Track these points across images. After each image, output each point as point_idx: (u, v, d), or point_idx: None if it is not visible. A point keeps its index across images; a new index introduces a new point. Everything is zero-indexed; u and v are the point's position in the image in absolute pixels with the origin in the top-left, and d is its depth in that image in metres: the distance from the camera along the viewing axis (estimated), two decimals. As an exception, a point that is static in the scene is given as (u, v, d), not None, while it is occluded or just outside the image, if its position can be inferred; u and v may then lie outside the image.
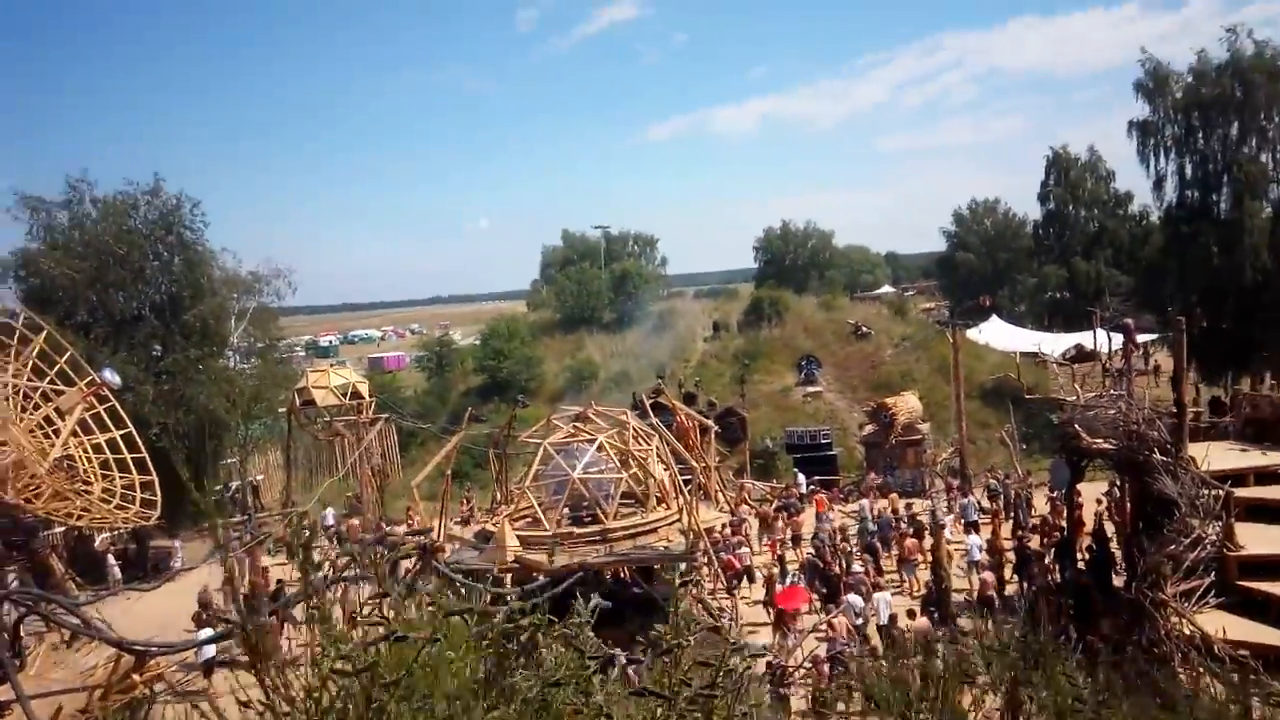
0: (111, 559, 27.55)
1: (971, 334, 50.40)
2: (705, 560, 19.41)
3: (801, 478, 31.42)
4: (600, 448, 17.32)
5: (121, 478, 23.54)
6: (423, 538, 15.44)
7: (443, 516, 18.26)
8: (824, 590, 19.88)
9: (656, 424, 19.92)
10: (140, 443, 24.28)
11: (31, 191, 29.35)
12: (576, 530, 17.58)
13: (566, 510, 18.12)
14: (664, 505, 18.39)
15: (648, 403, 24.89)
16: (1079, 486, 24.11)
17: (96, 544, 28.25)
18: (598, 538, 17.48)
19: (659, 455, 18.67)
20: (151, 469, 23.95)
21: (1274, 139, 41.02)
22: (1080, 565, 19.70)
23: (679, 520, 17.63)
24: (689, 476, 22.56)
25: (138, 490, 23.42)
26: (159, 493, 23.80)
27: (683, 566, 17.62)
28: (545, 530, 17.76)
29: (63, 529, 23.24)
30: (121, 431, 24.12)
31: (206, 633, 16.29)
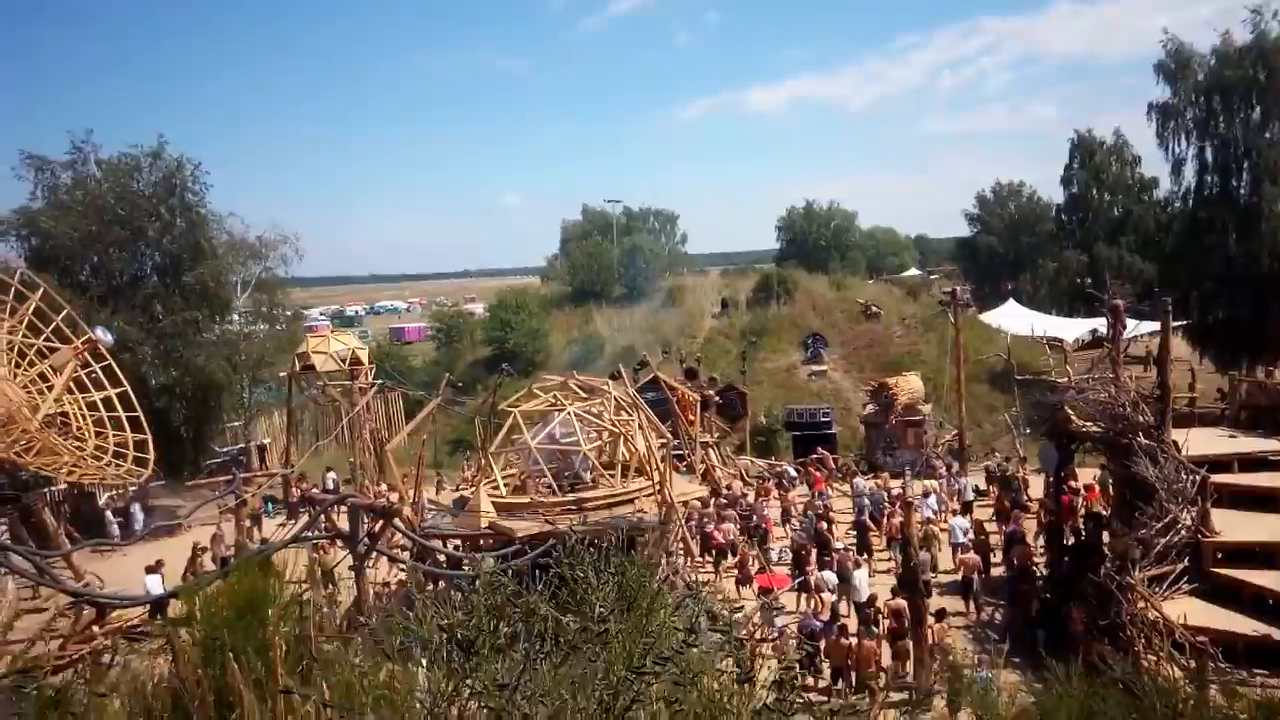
0: (110, 516, 27.86)
1: (985, 317, 49.91)
2: (679, 532, 19.30)
3: (789, 467, 31.29)
4: (577, 417, 17.21)
5: (115, 435, 23.79)
6: (385, 501, 15.45)
7: (417, 482, 18.26)
8: (805, 566, 19.76)
9: (633, 394, 19.77)
10: (135, 402, 24.51)
11: (38, 151, 29.60)
12: (551, 499, 17.54)
13: (546, 479, 18.09)
14: (643, 476, 18.32)
15: (628, 375, 24.70)
16: (1077, 471, 23.92)
17: (100, 502, 28.58)
18: (573, 506, 17.46)
19: (640, 426, 18.57)
20: (145, 427, 24.20)
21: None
22: (1067, 549, 19.49)
23: (655, 492, 17.57)
24: (680, 450, 22.48)
25: (130, 448, 23.69)
26: (152, 451, 24.08)
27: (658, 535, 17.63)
28: (527, 498, 17.78)
29: (64, 487, 23.48)
30: (117, 390, 24.33)
31: (155, 580, 16.50)
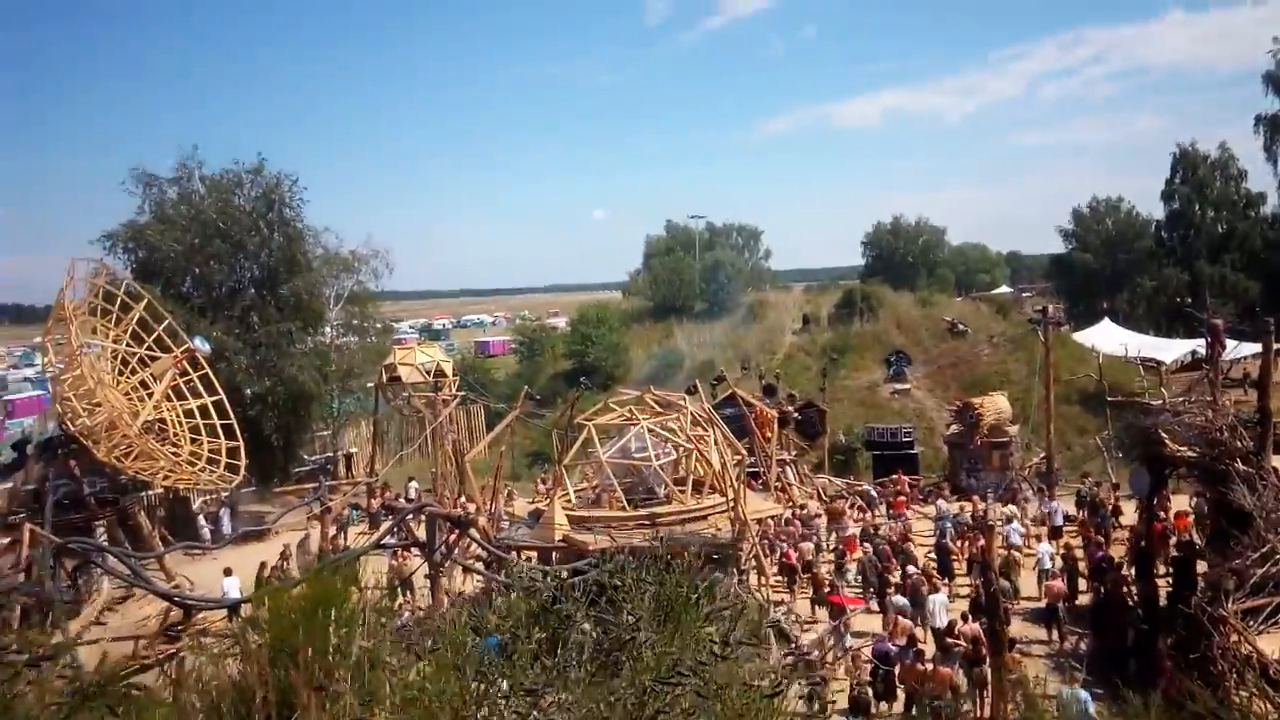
0: (202, 520, 28.92)
1: (1078, 336, 48.37)
2: (752, 550, 19.16)
3: (868, 487, 30.75)
4: (651, 432, 17.26)
5: (209, 442, 24.73)
6: (462, 512, 15.70)
7: (495, 493, 18.51)
8: (877, 590, 19.42)
9: (709, 409, 19.73)
10: (229, 410, 25.45)
11: (147, 168, 31.07)
12: (624, 513, 17.60)
13: (620, 493, 18.16)
14: (717, 493, 18.25)
15: (705, 391, 24.65)
16: (1171, 497, 22.96)
17: (194, 507, 29.69)
18: (647, 522, 17.48)
19: (716, 443, 18.52)
20: (238, 435, 25.09)
21: None
22: (1158, 578, 18.74)
23: (729, 509, 17.47)
24: (755, 468, 22.33)
25: (223, 455, 24.59)
26: (244, 457, 24.96)
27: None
28: (600, 511, 17.88)
29: (160, 491, 24.46)
30: (213, 398, 25.29)
31: (233, 583, 17.02)
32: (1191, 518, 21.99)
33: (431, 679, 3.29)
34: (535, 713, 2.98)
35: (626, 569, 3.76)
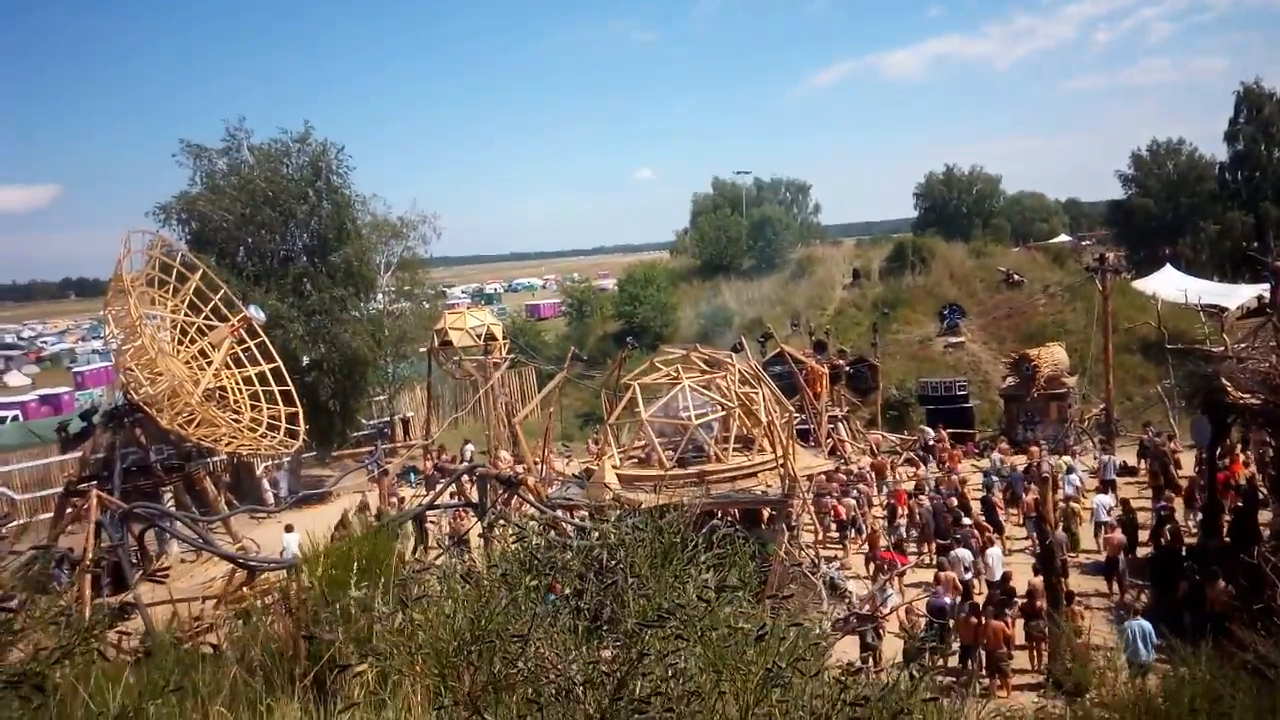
0: (266, 484, 29.67)
1: (1139, 284, 47.09)
2: (802, 507, 19.12)
3: (929, 430, 30.33)
4: (692, 390, 17.24)
5: (269, 409, 25.27)
6: (512, 472, 15.87)
7: (545, 453, 18.66)
8: (937, 542, 19.32)
9: (756, 366, 19.63)
10: (287, 376, 25.96)
11: (196, 139, 31.49)
12: (675, 471, 17.64)
13: (671, 451, 18.20)
14: (767, 449, 18.21)
15: (752, 348, 24.51)
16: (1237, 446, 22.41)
17: (258, 472, 30.47)
18: (696, 479, 17.52)
19: (764, 400, 18.43)
20: (296, 401, 25.60)
21: None
22: (1221, 528, 18.36)
23: (779, 466, 17.43)
24: (806, 425, 22.22)
25: (282, 420, 25.13)
26: (303, 423, 25.48)
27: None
28: (649, 470, 17.95)
29: (224, 457, 25.11)
30: (270, 365, 25.80)
31: (293, 539, 17.43)
32: (1248, 465, 21.51)
33: (423, 626, 3.38)
34: (522, 660, 3.04)
35: (624, 520, 3.79)
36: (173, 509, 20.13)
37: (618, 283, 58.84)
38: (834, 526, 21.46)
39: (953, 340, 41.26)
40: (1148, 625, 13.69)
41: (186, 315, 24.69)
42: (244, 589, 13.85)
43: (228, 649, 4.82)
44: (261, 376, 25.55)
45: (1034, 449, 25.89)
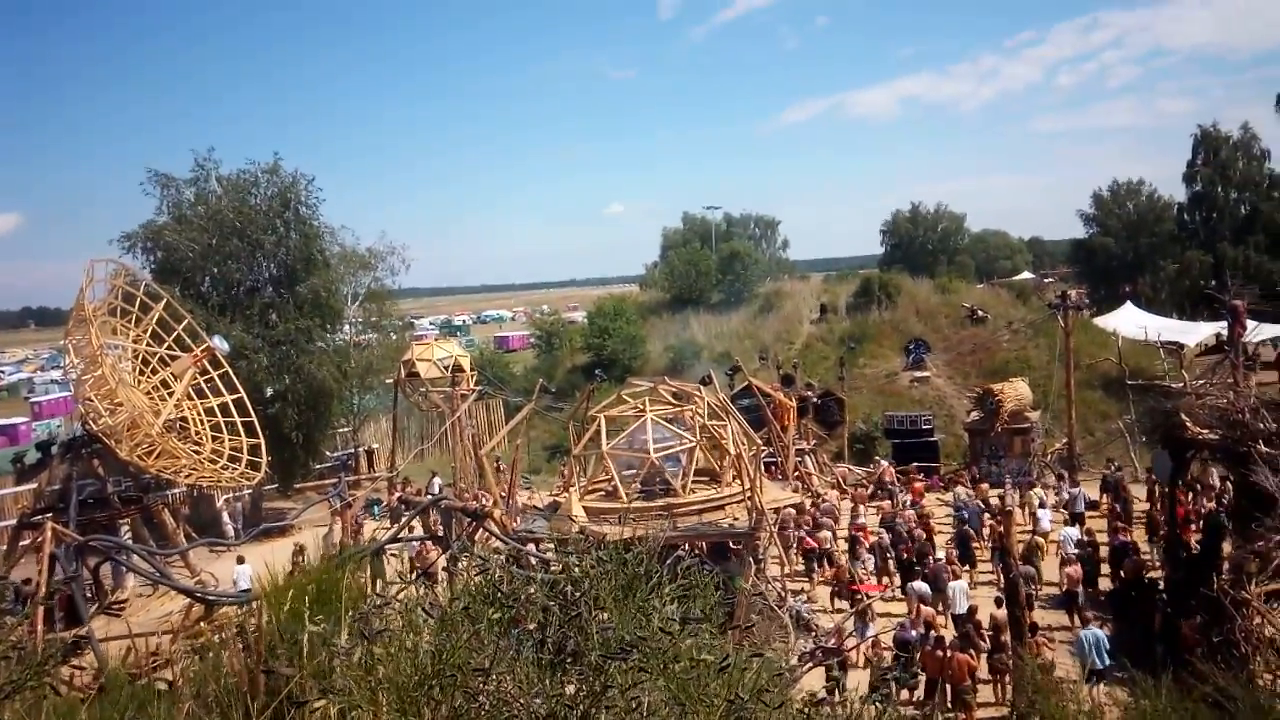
0: (226, 517, 29.20)
1: (1100, 321, 47.90)
2: (769, 539, 19.13)
3: (884, 463, 30.60)
4: (658, 423, 17.25)
5: (230, 440, 24.93)
6: (478, 504, 15.76)
7: (511, 485, 18.56)
8: (893, 575, 19.41)
9: (724, 399, 19.70)
10: (249, 407, 25.64)
11: (164, 169, 31.24)
12: (642, 504, 17.59)
13: (637, 484, 18.17)
14: (735, 482, 18.22)
15: (716, 382, 24.64)
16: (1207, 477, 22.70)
17: (218, 504, 29.99)
18: (663, 512, 17.47)
19: (732, 433, 18.48)
20: (259, 432, 25.28)
21: None
22: (1182, 561, 18.57)
23: (746, 498, 17.44)
24: (774, 458, 22.24)
25: (244, 452, 24.79)
26: (265, 455, 25.15)
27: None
28: (616, 503, 17.87)
29: (183, 489, 24.69)
30: (233, 396, 25.47)
31: (245, 570, 17.25)
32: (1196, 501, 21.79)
33: (384, 660, 3.35)
34: (482, 695, 3.02)
35: (589, 552, 3.79)
36: (130, 542, 19.77)
37: (587, 315, 58.97)
38: (800, 560, 21.48)
39: (918, 375, 41.66)
40: (1102, 634, 14.75)
41: (149, 345, 24.37)
42: (201, 623, 13.60)
43: (183, 685, 4.72)
44: (224, 408, 25.22)
45: (983, 485, 26.15)
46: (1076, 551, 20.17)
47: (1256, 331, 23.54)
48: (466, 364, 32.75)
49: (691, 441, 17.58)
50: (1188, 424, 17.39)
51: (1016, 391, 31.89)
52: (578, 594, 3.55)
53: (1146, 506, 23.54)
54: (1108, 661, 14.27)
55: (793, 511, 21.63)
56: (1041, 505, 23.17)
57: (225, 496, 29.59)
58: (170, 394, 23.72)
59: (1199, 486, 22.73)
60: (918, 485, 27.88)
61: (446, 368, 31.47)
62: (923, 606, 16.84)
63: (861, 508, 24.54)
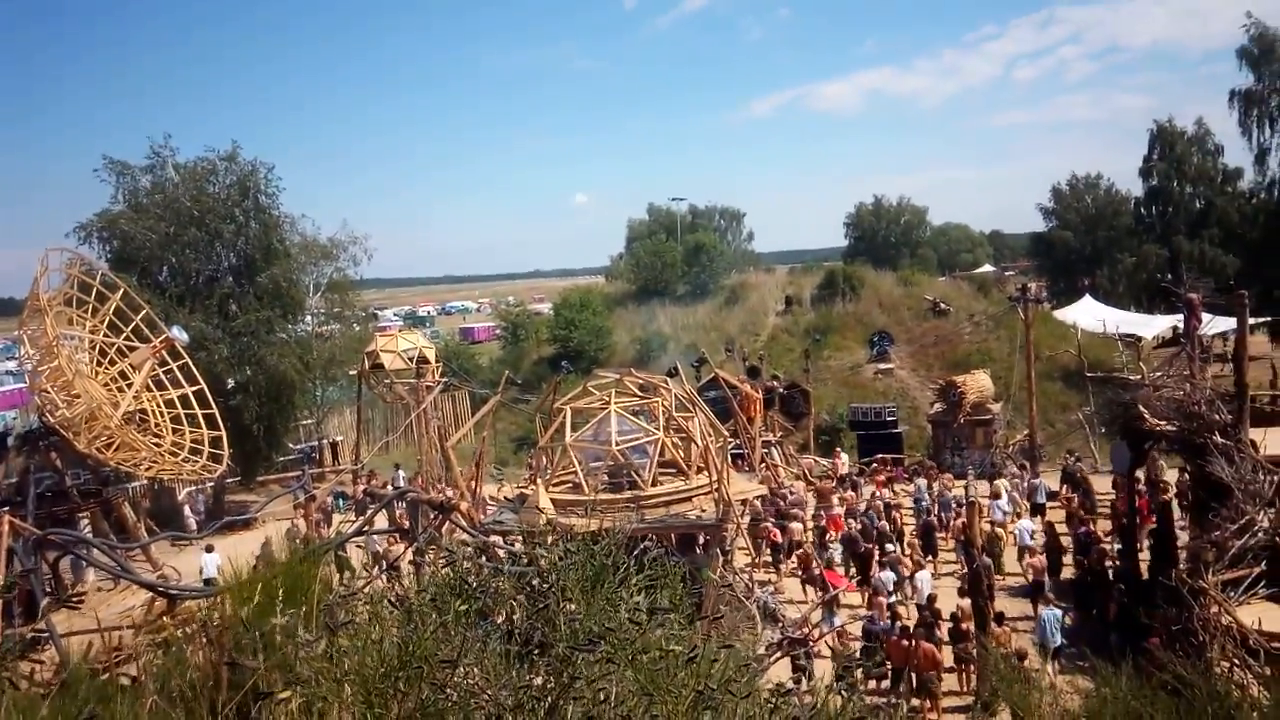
0: (188, 510, 28.81)
1: (1059, 314, 48.61)
2: (736, 531, 19.21)
3: (844, 456, 30.97)
4: (622, 415, 17.25)
5: (191, 432, 24.54)
6: (442, 496, 15.67)
7: (477, 478, 18.47)
8: (857, 567, 19.60)
9: (691, 391, 19.74)
10: (210, 399, 25.25)
11: (119, 156, 30.68)
12: (609, 496, 17.58)
13: (605, 476, 18.15)
14: (702, 474, 18.26)
15: (683, 374, 24.72)
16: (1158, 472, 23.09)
17: (180, 497, 29.57)
18: (630, 504, 17.47)
19: (699, 425, 18.51)
20: (220, 424, 24.92)
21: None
22: (1139, 551, 18.95)
23: (713, 490, 17.49)
24: (740, 449, 22.29)
25: (205, 444, 24.42)
26: (227, 447, 24.80)
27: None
28: (584, 495, 17.84)
29: (144, 482, 24.29)
30: (194, 388, 25.05)
31: (212, 560, 17.15)
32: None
33: (349, 652, 3.33)
34: (449, 686, 3.01)
35: (557, 545, 3.79)
36: (89, 535, 19.42)
37: (553, 307, 58.83)
38: (768, 550, 21.60)
39: (882, 367, 42.05)
40: (1058, 612, 15.80)
41: (106, 336, 23.88)
42: (164, 617, 13.38)
43: (147, 679, 4.64)
44: (184, 399, 24.79)
45: (945, 475, 26.48)
46: (1032, 543, 20.52)
47: (1211, 324, 23.98)
48: (431, 355, 32.53)
49: (657, 434, 17.59)
50: (1146, 415, 17.72)
51: (978, 383, 32.29)
52: (545, 585, 3.54)
53: (1111, 497, 23.85)
54: (1060, 640, 15.22)
55: (758, 504, 21.76)
56: (996, 497, 23.43)
57: (187, 489, 29.20)
58: (129, 385, 23.30)
59: (1154, 482, 23.16)
60: (880, 478, 28.15)
61: (411, 359, 31.21)
62: (878, 597, 17.01)
63: (834, 499, 24.73)
